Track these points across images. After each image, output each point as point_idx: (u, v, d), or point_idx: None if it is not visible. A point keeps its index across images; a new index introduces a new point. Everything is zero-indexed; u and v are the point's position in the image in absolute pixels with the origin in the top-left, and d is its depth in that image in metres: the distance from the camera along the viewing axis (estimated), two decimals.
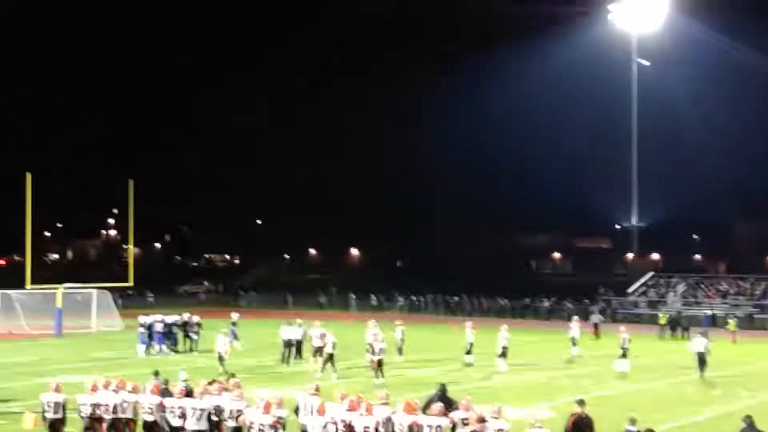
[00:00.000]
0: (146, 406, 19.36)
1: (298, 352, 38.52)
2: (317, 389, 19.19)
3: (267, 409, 17.59)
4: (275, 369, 36.56)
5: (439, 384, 20.83)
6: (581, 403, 18.23)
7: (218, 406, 19.00)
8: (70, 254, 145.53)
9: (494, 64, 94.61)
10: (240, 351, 39.99)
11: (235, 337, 43.72)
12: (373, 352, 32.76)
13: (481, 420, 16.98)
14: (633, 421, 17.10)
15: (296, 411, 19.19)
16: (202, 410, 18.52)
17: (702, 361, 36.34)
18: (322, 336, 34.88)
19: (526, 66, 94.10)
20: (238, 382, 20.58)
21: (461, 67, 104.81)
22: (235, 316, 44.93)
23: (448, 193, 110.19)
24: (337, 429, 17.53)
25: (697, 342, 37.20)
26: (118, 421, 19.16)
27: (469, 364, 37.68)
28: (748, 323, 66.33)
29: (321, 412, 17.99)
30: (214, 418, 18.97)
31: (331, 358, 34.04)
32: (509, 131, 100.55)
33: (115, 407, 19.16)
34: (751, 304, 71.53)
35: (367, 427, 17.27)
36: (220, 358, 34.36)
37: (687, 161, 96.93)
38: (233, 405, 18.84)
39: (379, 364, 32.38)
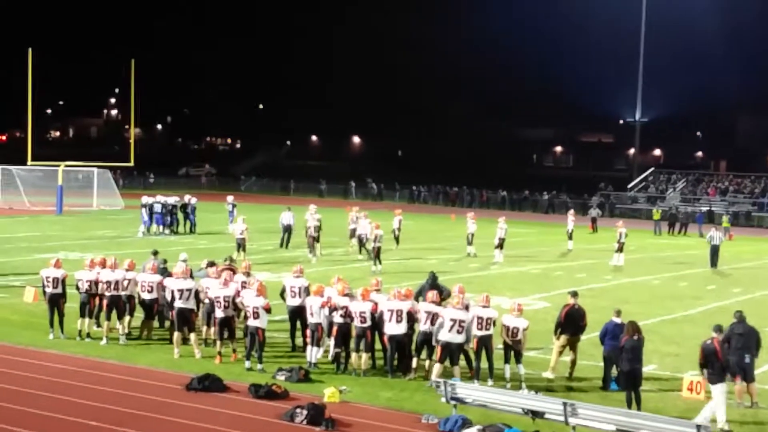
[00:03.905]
0: (145, 284, 19.61)
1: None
2: (301, 271, 19.43)
3: (260, 292, 17.81)
4: (274, 253, 36.85)
5: (430, 272, 21.06)
6: (574, 294, 18.49)
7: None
8: (71, 132, 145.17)
9: None
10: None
11: (232, 219, 44.31)
12: (374, 240, 32.94)
13: (466, 307, 17.27)
14: (618, 313, 17.42)
15: (282, 294, 19.46)
16: (189, 290, 18.70)
17: (715, 253, 37.70)
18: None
19: None
20: (248, 264, 21.03)
21: None
22: (230, 198, 45.58)
23: (453, 83, 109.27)
24: (336, 311, 17.80)
25: (712, 235, 38.74)
26: (118, 298, 19.46)
27: (471, 255, 37.99)
28: (745, 221, 66.72)
29: (319, 292, 18.20)
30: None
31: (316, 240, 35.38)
32: (516, 25, 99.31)
33: (116, 284, 19.43)
34: (749, 202, 71.74)
35: (363, 312, 17.54)
36: (243, 245, 33.79)
37: (694, 57, 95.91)
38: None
39: (377, 252, 32.60)
